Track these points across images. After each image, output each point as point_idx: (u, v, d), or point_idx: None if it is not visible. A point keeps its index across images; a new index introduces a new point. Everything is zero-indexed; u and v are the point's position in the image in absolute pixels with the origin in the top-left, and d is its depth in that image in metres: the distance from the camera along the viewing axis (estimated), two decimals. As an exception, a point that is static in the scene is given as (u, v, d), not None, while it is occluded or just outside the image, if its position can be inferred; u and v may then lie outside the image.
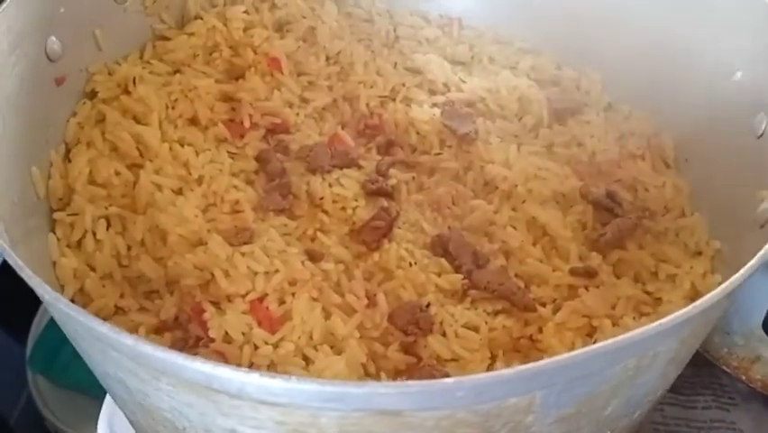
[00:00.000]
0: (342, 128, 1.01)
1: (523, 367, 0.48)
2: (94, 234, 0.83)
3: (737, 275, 0.56)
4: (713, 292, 0.54)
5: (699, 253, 0.86)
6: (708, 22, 0.92)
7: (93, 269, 0.82)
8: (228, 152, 0.95)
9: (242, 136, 0.97)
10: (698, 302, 0.54)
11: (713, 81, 0.90)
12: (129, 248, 0.83)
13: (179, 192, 0.88)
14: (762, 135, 0.79)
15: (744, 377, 0.97)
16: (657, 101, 1.00)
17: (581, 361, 0.49)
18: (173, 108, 0.96)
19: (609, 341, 0.50)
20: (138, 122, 0.92)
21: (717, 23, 0.93)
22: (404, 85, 1.06)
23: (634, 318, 0.78)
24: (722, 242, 0.83)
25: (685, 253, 0.87)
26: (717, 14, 0.92)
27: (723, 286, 0.55)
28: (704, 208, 0.89)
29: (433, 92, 1.06)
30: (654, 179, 0.95)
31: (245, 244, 0.84)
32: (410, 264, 0.85)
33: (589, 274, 0.84)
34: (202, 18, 1.04)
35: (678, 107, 0.97)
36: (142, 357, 0.55)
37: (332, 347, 0.77)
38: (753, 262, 0.56)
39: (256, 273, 0.81)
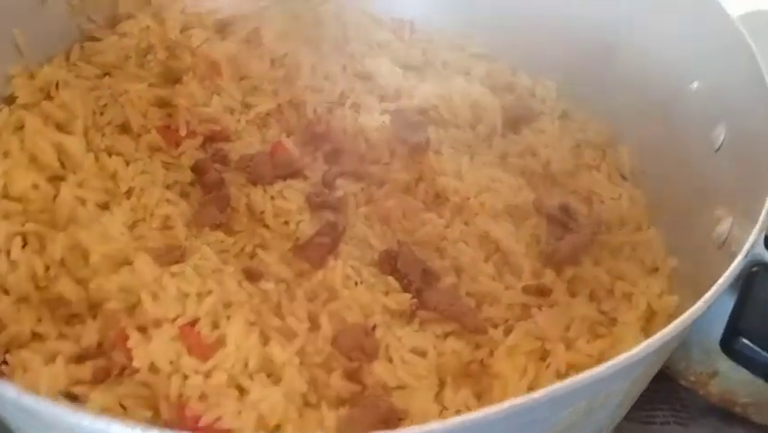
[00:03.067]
0: (287, 136, 0.95)
1: (461, 418, 0.43)
2: (8, 253, 0.76)
3: (691, 311, 0.52)
4: (664, 331, 0.50)
5: (656, 270, 0.83)
6: (666, 29, 0.89)
7: (6, 292, 0.74)
8: (162, 161, 0.89)
9: (177, 144, 0.91)
10: (650, 340, 0.50)
11: (670, 91, 0.88)
12: (47, 268, 0.76)
13: (105, 207, 0.81)
14: (719, 149, 0.76)
15: (701, 391, 0.95)
16: (613, 110, 0.96)
17: (526, 408, 0.44)
18: (101, 114, 0.89)
19: (556, 386, 0.45)
20: (61, 130, 0.84)
21: (674, 31, 0.90)
22: (353, 90, 1.01)
23: (588, 341, 0.75)
24: (679, 259, 0.80)
25: (641, 269, 0.84)
26: (674, 22, 0.89)
27: (674, 324, 0.51)
28: (661, 223, 0.86)
29: (383, 98, 1.01)
30: (610, 191, 0.92)
31: (175, 263, 0.78)
32: (356, 283, 0.80)
33: (543, 293, 0.80)
34: (135, 17, 0.97)
35: (635, 117, 0.94)
36: (29, 410, 0.48)
37: (269, 375, 0.72)
38: (708, 295, 0.52)
39: (187, 295, 0.75)
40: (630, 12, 0.94)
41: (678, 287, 0.78)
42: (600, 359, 0.73)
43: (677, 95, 0.87)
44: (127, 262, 0.77)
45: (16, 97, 0.85)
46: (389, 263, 0.83)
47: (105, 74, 0.93)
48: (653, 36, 0.91)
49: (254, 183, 0.88)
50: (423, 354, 0.75)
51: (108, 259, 0.76)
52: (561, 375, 0.71)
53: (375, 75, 1.03)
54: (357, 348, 0.75)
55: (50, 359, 0.73)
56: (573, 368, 0.72)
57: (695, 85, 0.83)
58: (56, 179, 0.81)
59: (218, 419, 0.67)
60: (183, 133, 0.91)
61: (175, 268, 0.77)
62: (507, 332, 0.76)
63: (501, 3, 1.07)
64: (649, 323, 0.77)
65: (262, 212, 0.85)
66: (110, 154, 0.86)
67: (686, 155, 0.83)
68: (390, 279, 0.81)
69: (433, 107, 1.00)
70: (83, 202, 0.80)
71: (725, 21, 0.79)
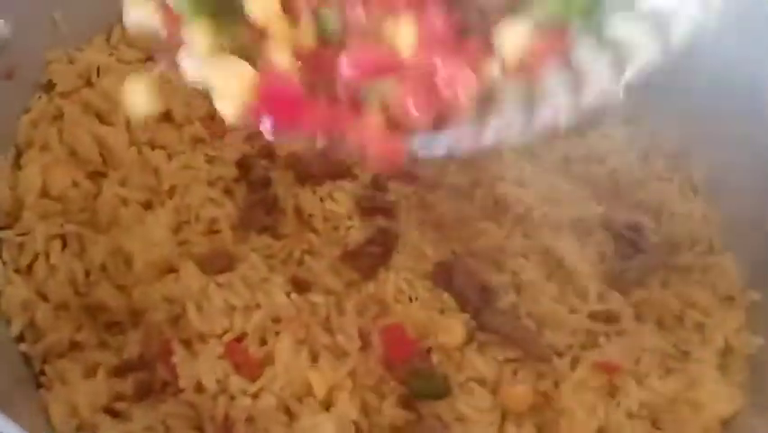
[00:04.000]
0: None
1: None
2: (47, 256, 0.72)
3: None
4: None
5: (731, 299, 0.78)
6: (760, 36, 0.81)
7: (45, 298, 0.71)
8: (205, 154, 0.83)
9: (221, 136, 0.85)
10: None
11: (756, 102, 0.80)
12: (87, 273, 0.72)
13: (148, 206, 0.77)
14: None
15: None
16: (688, 116, 0.89)
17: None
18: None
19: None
20: (102, 121, 0.79)
21: (762, 32, 0.82)
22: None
23: (660, 377, 0.70)
24: (760, 292, 0.75)
25: (714, 296, 0.78)
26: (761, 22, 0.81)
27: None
28: (738, 247, 0.80)
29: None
30: (681, 206, 0.86)
31: (222, 271, 0.73)
32: (410, 300, 0.76)
33: (610, 319, 0.75)
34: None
35: (712, 125, 0.86)
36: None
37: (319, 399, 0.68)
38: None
39: (234, 308, 0.71)
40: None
41: (758, 322, 0.72)
42: (675, 399, 0.69)
43: (765, 107, 0.79)
44: (172, 270, 0.73)
45: (54, 85, 0.80)
46: (444, 277, 0.78)
47: (148, 58, 0.86)
48: (743, 42, 0.83)
49: (302, 183, 0.83)
50: (483, 382, 0.71)
51: (152, 266, 0.72)
52: (632, 415, 0.67)
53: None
54: (410, 372, 0.71)
55: (90, 371, 0.70)
56: (646, 407, 0.68)
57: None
58: (97, 176, 0.76)
59: (267, 444, 0.64)
60: (228, 124, 0.85)
61: (222, 278, 0.72)
62: (573, 362, 0.71)
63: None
64: (725, 360, 0.72)
65: (311, 215, 0.80)
66: (152, 147, 0.81)
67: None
68: (446, 295, 0.77)
69: (491, 103, 0.93)
70: (125, 202, 0.75)
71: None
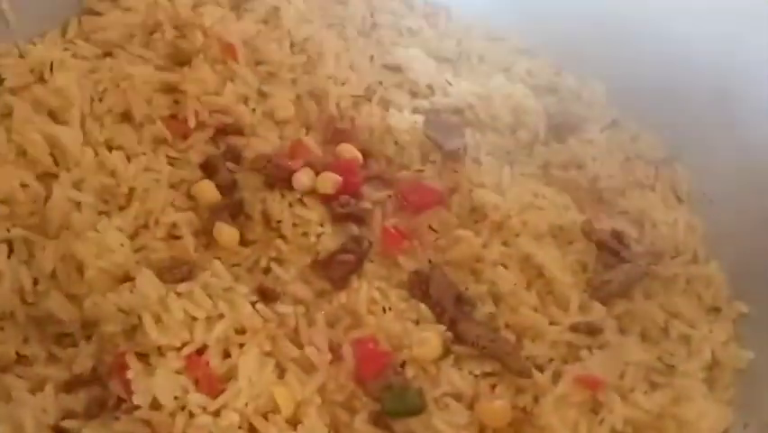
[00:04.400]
0: (306, 131, 0.85)
1: None
2: (-9, 262, 0.67)
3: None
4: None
5: (717, 310, 0.75)
6: (750, 44, 0.79)
7: (-12, 307, 0.66)
8: (168, 156, 0.79)
9: (185, 137, 0.81)
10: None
11: (744, 110, 0.78)
12: (36, 282, 0.67)
13: (103, 210, 0.72)
14: None
15: None
16: (671, 121, 0.87)
17: None
18: (101, 101, 0.78)
19: None
20: (54, 119, 0.74)
21: (750, 37, 0.80)
22: (381, 84, 0.90)
23: (645, 393, 0.67)
24: (748, 303, 0.72)
25: (699, 307, 0.76)
26: (750, 27, 0.79)
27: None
28: (723, 257, 0.78)
29: (414, 94, 0.91)
30: (664, 215, 0.83)
31: (183, 280, 0.68)
32: (384, 310, 0.72)
33: (593, 332, 0.72)
34: (141, -11, 0.86)
35: (697, 132, 0.84)
36: None
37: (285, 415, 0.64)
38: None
39: (195, 319, 0.66)
40: (698, 13, 0.84)
41: (747, 334, 0.70)
42: (661, 415, 0.65)
43: (753, 110, 0.77)
44: (128, 278, 0.68)
45: (3, 80, 0.75)
46: (420, 287, 0.75)
47: (106, 54, 0.82)
48: (726, 43, 0.81)
49: (271, 187, 0.78)
50: (459, 397, 0.67)
51: (106, 274, 0.67)
52: (616, 432, 0.64)
53: (406, 67, 0.92)
54: (384, 387, 0.67)
55: (38, 386, 0.64)
56: (630, 424, 0.64)
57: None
58: (48, 177, 0.71)
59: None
60: (192, 124, 0.81)
61: (182, 287, 0.68)
62: (555, 377, 0.68)
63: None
64: (712, 374, 0.69)
65: (279, 221, 0.76)
66: (110, 148, 0.76)
67: (760, 182, 0.74)
68: (422, 306, 0.73)
69: (469, 107, 0.90)
70: (78, 206, 0.70)
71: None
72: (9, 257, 0.67)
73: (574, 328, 0.72)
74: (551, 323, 0.73)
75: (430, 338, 0.69)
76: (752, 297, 0.73)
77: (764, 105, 0.78)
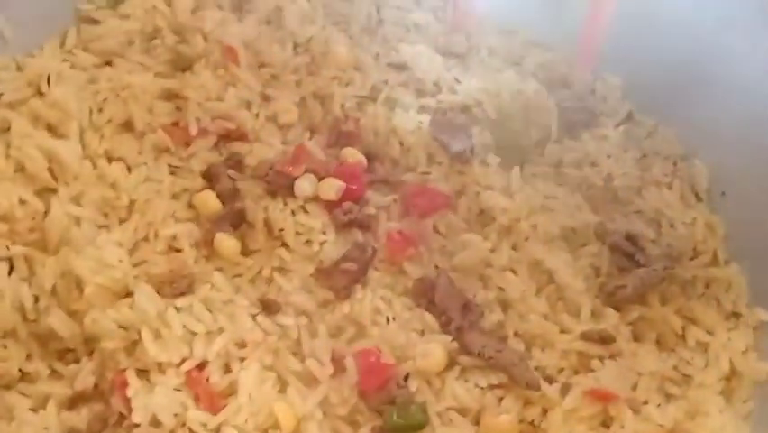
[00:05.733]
0: (311, 135, 0.83)
1: None
2: (-8, 280, 0.67)
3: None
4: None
5: (737, 315, 0.72)
6: (760, 31, 0.75)
7: (-10, 325, 0.66)
8: (169, 165, 0.78)
9: (187, 144, 0.79)
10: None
11: (763, 105, 0.74)
12: (37, 299, 0.67)
13: (103, 225, 0.71)
14: None
15: None
16: (688, 116, 0.83)
17: None
18: (100, 111, 0.78)
19: None
20: (53, 133, 0.73)
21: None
22: (386, 83, 0.88)
23: (659, 405, 0.64)
24: (768, 309, 0.69)
25: (718, 312, 0.72)
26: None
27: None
28: (744, 259, 0.74)
29: (421, 93, 0.88)
30: (682, 214, 0.79)
31: (182, 294, 0.68)
32: (387, 320, 0.70)
33: (605, 341, 0.69)
34: (140, -5, 0.85)
35: (715, 126, 0.80)
36: None
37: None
38: None
39: (195, 334, 0.66)
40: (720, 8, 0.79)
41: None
42: (674, 430, 0.63)
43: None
44: (127, 294, 0.67)
45: (1, 94, 0.74)
46: (426, 295, 0.73)
47: (106, 63, 0.81)
48: (743, 31, 0.76)
49: (273, 194, 0.77)
50: (464, 411, 0.65)
51: (105, 290, 0.67)
52: (627, 448, 0.61)
53: (411, 65, 0.90)
54: (388, 402, 0.65)
55: (41, 404, 0.64)
56: (642, 439, 0.62)
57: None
58: (47, 192, 0.71)
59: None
60: (193, 131, 0.80)
61: (181, 301, 0.67)
62: (565, 389, 0.66)
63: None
64: (730, 385, 0.66)
65: (282, 229, 0.75)
66: (110, 160, 0.75)
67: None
68: (427, 315, 0.71)
69: (477, 104, 0.87)
70: (77, 221, 0.70)
71: None
72: (9, 275, 0.67)
73: (586, 337, 0.69)
74: (561, 331, 0.70)
75: (434, 350, 0.67)
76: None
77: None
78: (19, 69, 0.76)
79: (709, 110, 0.81)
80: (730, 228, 0.77)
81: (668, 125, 0.85)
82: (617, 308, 0.72)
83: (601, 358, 0.68)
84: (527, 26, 0.95)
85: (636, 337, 0.72)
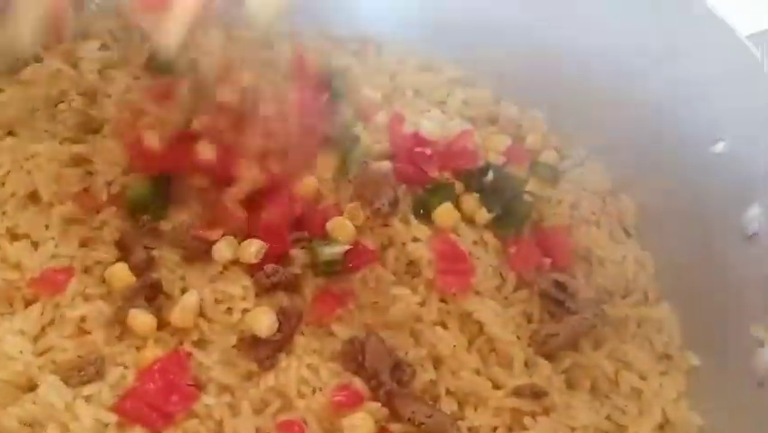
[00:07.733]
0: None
1: None
2: None
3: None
4: None
5: (669, 357, 0.70)
6: (695, 75, 0.74)
7: None
8: (80, 237, 0.74)
9: (98, 211, 0.76)
10: None
11: (691, 138, 0.73)
12: (-69, 399, 0.63)
13: (6, 312, 0.67)
14: (753, 236, 0.62)
15: None
16: (617, 151, 0.82)
17: None
18: (2, 185, 0.74)
19: None
20: (-52, 214, 0.70)
21: (699, 71, 0.75)
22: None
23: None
24: (700, 354, 0.67)
25: (651, 354, 0.71)
26: (698, 60, 0.74)
27: None
28: (675, 298, 0.73)
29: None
30: (612, 252, 0.78)
31: (91, 381, 0.64)
32: (314, 391, 0.67)
33: (537, 396, 0.67)
34: (42, 60, 0.81)
35: (644, 161, 0.79)
36: None
37: None
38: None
39: (106, 425, 0.62)
40: (641, 38, 0.78)
41: (698, 390, 0.65)
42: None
43: (696, 151, 0.72)
44: (31, 387, 0.63)
45: None
46: (355, 358, 0.70)
47: (8, 134, 0.77)
48: (673, 79, 0.75)
49: (191, 261, 0.74)
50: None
51: (7, 385, 0.63)
52: None
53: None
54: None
55: None
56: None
57: (720, 146, 0.68)
58: (-59, 283, 0.67)
59: None
60: (103, 197, 0.76)
61: (89, 389, 0.63)
62: (499, 455, 0.63)
63: (479, 17, 0.92)
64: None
65: (201, 299, 0.71)
66: (13, 238, 0.71)
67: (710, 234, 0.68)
68: (357, 381, 0.68)
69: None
70: (-25, 313, 0.65)
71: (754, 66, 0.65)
72: None
73: (518, 393, 0.67)
74: (494, 387, 0.68)
75: (362, 420, 0.65)
76: (703, 346, 0.68)
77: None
78: None
79: (637, 146, 0.80)
80: (660, 264, 0.76)
81: (595, 162, 0.84)
82: (549, 357, 0.71)
83: (534, 415, 0.66)
84: (450, 64, 0.94)
85: (570, 385, 0.70)
